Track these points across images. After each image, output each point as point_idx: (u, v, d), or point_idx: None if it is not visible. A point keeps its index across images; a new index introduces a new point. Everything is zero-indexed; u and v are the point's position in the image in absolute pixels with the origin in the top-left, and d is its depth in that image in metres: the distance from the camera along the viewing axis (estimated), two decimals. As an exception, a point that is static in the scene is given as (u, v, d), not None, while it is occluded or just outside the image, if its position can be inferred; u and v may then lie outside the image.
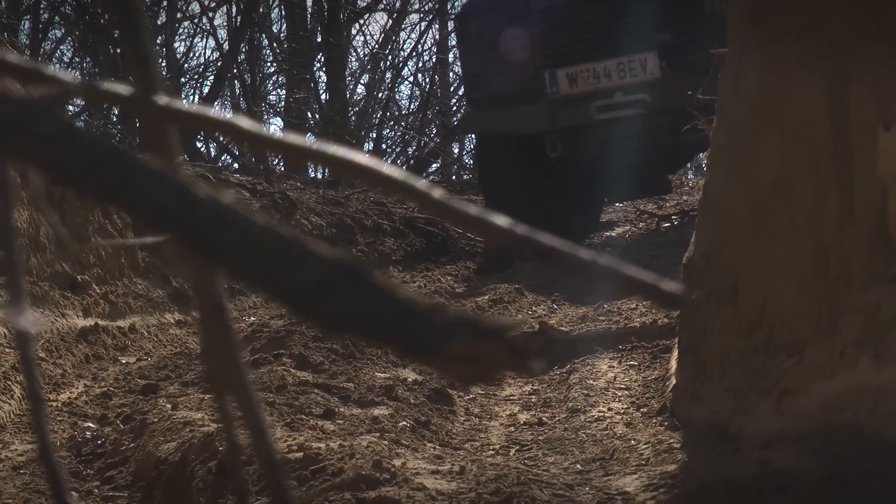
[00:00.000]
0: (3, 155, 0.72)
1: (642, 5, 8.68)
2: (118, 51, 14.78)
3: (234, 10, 16.52)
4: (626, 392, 4.74)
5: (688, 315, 4.22)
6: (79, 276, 6.59)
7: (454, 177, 17.44)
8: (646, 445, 3.92)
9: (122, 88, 0.79)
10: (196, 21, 17.30)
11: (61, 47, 16.38)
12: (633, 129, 8.78)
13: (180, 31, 17.40)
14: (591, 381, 4.97)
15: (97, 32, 14.57)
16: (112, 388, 5.41)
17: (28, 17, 14.81)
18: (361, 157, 0.75)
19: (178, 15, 16.76)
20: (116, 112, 13.95)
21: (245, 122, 0.76)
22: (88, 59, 15.79)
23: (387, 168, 0.74)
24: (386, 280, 0.66)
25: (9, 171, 0.75)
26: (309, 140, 0.75)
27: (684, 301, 0.76)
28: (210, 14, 17.19)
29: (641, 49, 8.67)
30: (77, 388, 5.45)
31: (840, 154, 3.65)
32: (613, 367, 5.19)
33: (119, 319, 6.69)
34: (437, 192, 0.73)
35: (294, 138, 0.75)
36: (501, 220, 0.73)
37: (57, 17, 15.43)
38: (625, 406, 4.55)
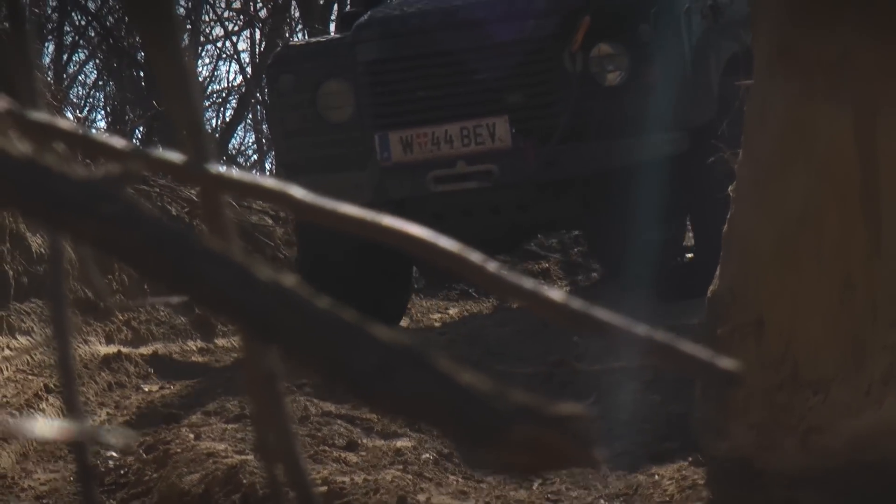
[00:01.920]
0: (63, 234, 0.72)
1: (491, 62, 7.44)
2: (142, 74, 14.82)
3: (257, 34, 16.58)
4: (650, 425, 4.73)
5: (712, 349, 4.20)
6: (101, 303, 6.60)
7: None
8: (670, 481, 3.90)
9: (175, 157, 0.79)
10: (219, 45, 17.37)
11: (84, 69, 16.46)
12: (475, 203, 7.58)
13: (203, 54, 17.46)
14: (614, 414, 4.95)
15: (121, 56, 14.63)
16: (134, 417, 5.41)
17: (51, 39, 14.89)
18: (417, 229, 0.75)
19: (202, 38, 16.82)
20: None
21: (299, 192, 0.76)
22: (112, 83, 15.86)
23: (443, 241, 0.74)
24: (448, 364, 0.66)
25: (62, 249, 0.75)
26: (364, 212, 0.75)
27: (740, 379, 0.75)
28: (233, 38, 17.25)
29: (489, 113, 7.39)
30: (100, 416, 5.45)
31: (868, 187, 3.64)
32: (637, 399, 5.17)
33: (142, 346, 6.69)
34: (492, 266, 0.73)
35: (349, 209, 0.74)
36: (557, 295, 0.72)
37: (80, 41, 15.50)
38: (648, 440, 4.53)
